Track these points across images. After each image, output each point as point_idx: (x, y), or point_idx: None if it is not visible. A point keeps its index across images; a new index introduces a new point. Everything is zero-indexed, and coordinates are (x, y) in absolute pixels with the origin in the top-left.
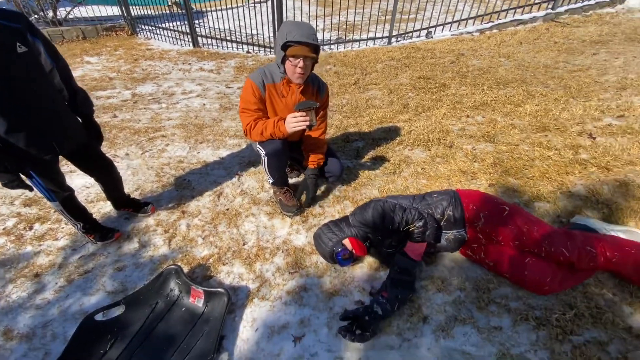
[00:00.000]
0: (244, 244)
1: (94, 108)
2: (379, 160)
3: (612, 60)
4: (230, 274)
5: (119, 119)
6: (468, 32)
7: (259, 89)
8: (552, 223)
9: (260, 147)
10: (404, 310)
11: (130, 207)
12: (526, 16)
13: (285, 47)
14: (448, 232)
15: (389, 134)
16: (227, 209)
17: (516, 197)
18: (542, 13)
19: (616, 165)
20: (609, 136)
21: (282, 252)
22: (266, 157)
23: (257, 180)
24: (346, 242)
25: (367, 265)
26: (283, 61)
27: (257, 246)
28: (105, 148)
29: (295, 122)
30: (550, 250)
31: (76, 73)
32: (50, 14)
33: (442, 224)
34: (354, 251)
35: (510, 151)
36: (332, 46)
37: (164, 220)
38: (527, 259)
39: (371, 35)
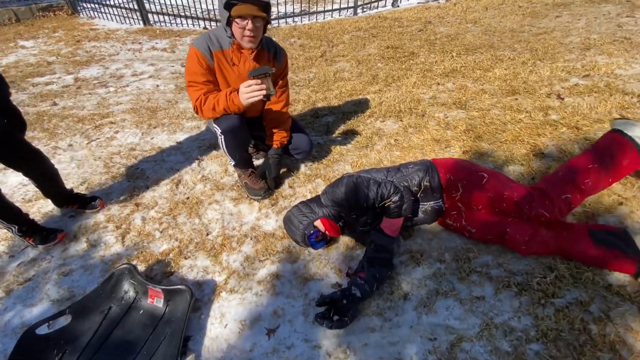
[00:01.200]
0: (207, 234)
1: (11, 91)
2: (351, 135)
3: (575, 22)
4: (194, 268)
5: (59, 107)
6: (434, 0)
7: (205, 57)
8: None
9: (215, 125)
10: (384, 288)
11: (75, 203)
12: None
13: (228, 5)
14: (425, 203)
15: (360, 106)
16: (187, 198)
17: (490, 162)
18: None
19: (585, 124)
20: (576, 96)
21: (251, 239)
22: (223, 136)
23: (219, 164)
24: (318, 223)
25: (342, 245)
26: (229, 23)
27: (223, 235)
28: (44, 140)
29: (250, 92)
30: (531, 214)
31: (9, 59)
32: None
33: (418, 195)
34: (327, 232)
35: (482, 117)
36: (296, 19)
37: (116, 215)
38: (508, 219)
39: (336, 6)
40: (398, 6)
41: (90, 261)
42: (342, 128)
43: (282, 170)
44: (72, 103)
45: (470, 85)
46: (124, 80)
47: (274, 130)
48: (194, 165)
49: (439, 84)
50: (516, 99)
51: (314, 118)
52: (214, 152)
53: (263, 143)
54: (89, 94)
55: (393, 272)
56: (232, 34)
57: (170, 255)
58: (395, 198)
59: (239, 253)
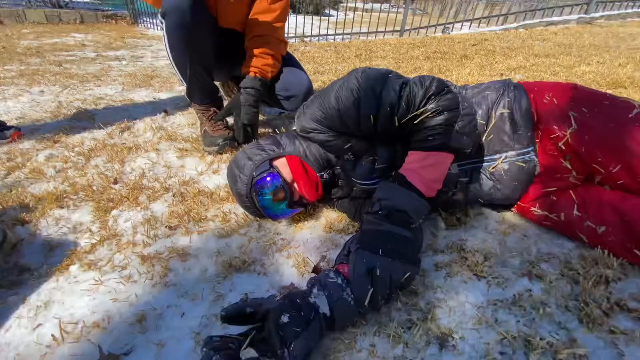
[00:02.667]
0: (115, 182)
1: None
2: None
3: None
4: (61, 221)
5: (61, 68)
6: (491, 30)
7: None
8: None
9: (159, 15)
10: (391, 311)
11: None
12: (556, 18)
13: None
14: (497, 156)
15: None
16: (123, 143)
17: None
18: (574, 16)
19: None
20: None
21: (173, 195)
22: (165, 22)
23: (188, 117)
24: (280, 163)
25: (322, 222)
26: None
27: (133, 185)
28: (22, 81)
29: None
30: None
31: (52, 40)
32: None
33: (483, 140)
34: (295, 185)
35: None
36: (337, 37)
37: (21, 149)
38: None
39: (381, 29)
40: (449, 33)
41: None
42: None
43: (262, 129)
44: (75, 67)
45: (550, 77)
46: (142, 59)
47: (256, 52)
48: (158, 116)
49: (502, 74)
50: (620, 92)
51: None
52: (190, 109)
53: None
54: (100, 63)
55: (414, 274)
56: None
57: (45, 200)
58: (438, 104)
59: (142, 211)
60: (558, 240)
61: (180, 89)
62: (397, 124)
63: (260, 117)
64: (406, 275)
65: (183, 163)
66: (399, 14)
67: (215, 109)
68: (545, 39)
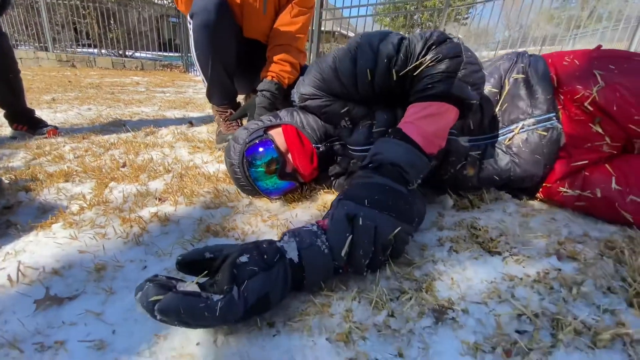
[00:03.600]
0: (123, 166)
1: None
2: None
3: None
4: (62, 191)
5: (113, 95)
6: None
7: None
8: None
9: (188, 16)
10: (377, 278)
11: (26, 124)
12: None
13: None
14: (514, 125)
15: None
16: (144, 142)
17: None
18: None
19: None
20: None
21: (173, 176)
22: (192, 22)
23: (209, 128)
24: (275, 132)
25: (318, 204)
26: None
27: (138, 167)
28: (75, 102)
29: None
30: None
31: (112, 79)
32: (120, 52)
33: (496, 110)
34: (290, 156)
35: None
36: None
37: (51, 142)
38: None
39: None
40: None
41: None
42: None
43: None
44: (125, 96)
45: None
46: (184, 93)
47: (275, 58)
48: (183, 125)
49: None
50: None
51: None
52: (214, 122)
53: None
54: (147, 94)
55: (408, 234)
56: None
57: (54, 176)
58: (435, 53)
59: (137, 186)
60: (596, 225)
61: (210, 110)
62: (395, 77)
63: None
64: (396, 231)
65: (192, 158)
66: None
67: (232, 110)
68: None
